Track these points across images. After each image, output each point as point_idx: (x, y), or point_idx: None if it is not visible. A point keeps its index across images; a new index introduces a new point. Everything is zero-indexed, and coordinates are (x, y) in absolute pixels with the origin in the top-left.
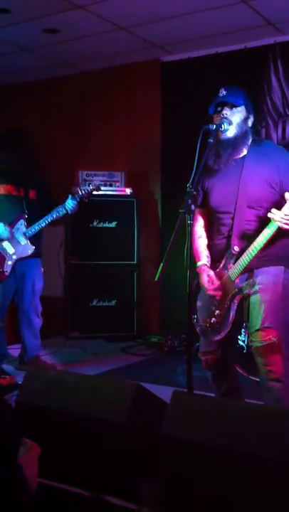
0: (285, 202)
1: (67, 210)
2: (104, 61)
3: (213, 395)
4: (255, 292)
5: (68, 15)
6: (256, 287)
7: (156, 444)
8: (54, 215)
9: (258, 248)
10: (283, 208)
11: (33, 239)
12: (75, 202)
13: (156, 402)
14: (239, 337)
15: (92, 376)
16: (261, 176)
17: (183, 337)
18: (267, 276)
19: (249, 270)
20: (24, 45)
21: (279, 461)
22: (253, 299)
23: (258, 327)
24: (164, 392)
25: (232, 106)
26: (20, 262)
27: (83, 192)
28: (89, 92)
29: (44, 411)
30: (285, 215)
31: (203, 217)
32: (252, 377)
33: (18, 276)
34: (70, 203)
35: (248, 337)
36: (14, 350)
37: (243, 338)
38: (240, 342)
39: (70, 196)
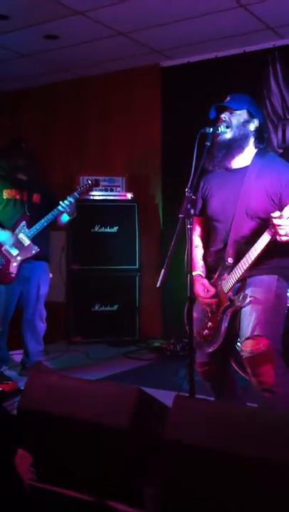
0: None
1: (63, 207)
2: (103, 66)
3: None
4: (247, 304)
5: (67, 21)
6: (248, 299)
7: (158, 448)
8: (55, 213)
9: (252, 259)
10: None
11: (39, 242)
12: (71, 200)
13: (158, 406)
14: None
15: (94, 381)
16: (262, 187)
17: (185, 341)
18: (260, 285)
19: (242, 279)
20: (24, 51)
21: (281, 464)
22: (245, 309)
23: (247, 336)
24: (166, 397)
25: (232, 110)
26: (26, 264)
27: (82, 188)
28: (89, 98)
29: (46, 416)
30: (280, 219)
31: (200, 227)
32: None
33: (23, 279)
34: (63, 202)
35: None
36: (17, 356)
37: None
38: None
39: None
